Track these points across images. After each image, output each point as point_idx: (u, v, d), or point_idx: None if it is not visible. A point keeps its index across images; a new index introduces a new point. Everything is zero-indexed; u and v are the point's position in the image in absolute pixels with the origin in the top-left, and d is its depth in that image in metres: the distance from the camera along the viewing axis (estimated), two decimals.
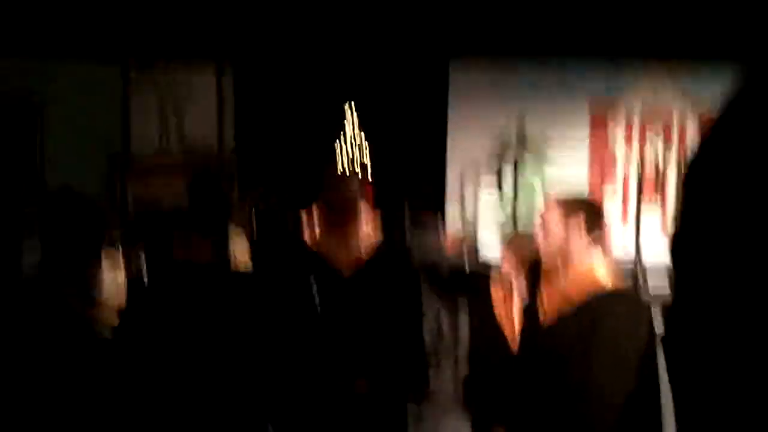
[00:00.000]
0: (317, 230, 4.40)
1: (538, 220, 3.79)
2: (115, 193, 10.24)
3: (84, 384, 3.50)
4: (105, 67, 10.74)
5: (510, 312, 4.44)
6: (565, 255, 3.65)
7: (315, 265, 4.33)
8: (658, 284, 11.38)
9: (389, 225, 4.58)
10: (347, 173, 4.52)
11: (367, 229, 4.43)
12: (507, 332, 4.42)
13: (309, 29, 10.85)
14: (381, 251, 4.41)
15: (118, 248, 3.73)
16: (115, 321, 3.67)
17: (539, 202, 11.57)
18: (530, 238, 4.39)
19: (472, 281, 7.21)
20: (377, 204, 4.40)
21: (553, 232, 3.65)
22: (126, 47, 10.61)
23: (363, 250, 4.38)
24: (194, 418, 4.10)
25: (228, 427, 4.13)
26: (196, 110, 11.38)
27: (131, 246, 6.20)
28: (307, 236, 4.43)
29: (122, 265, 3.81)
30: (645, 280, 10.80)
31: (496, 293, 4.58)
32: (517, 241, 4.49)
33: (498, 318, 4.49)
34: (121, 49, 10.63)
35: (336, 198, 4.30)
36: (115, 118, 10.97)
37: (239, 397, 4.18)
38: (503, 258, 4.45)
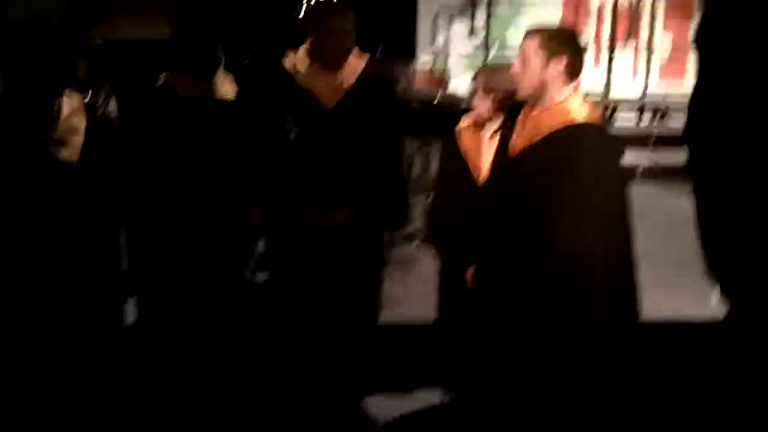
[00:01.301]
0: (303, 64, 4.37)
1: (518, 51, 3.73)
2: (84, 26, 9.99)
3: (46, 211, 3.52)
4: None
5: (479, 143, 4.42)
6: (541, 88, 3.63)
7: (299, 97, 4.33)
8: (627, 120, 11.65)
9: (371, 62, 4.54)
10: (336, 6, 4.38)
11: (353, 63, 4.40)
12: (474, 164, 4.41)
13: None
14: (363, 84, 4.40)
15: (85, 80, 3.73)
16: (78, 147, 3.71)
17: (511, 37, 11.55)
18: (503, 69, 4.37)
19: (442, 114, 7.22)
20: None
21: (532, 66, 3.61)
22: None
23: (346, 84, 4.37)
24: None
25: (209, 246, 4.20)
26: None
27: (102, 79, 6.16)
28: (291, 69, 4.39)
29: (89, 95, 3.81)
30: (613, 115, 10.97)
31: (465, 124, 4.55)
32: (490, 72, 4.43)
33: (466, 149, 4.47)
34: None
35: (325, 31, 4.24)
36: None
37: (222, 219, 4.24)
38: (475, 88, 4.39)
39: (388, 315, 4.85)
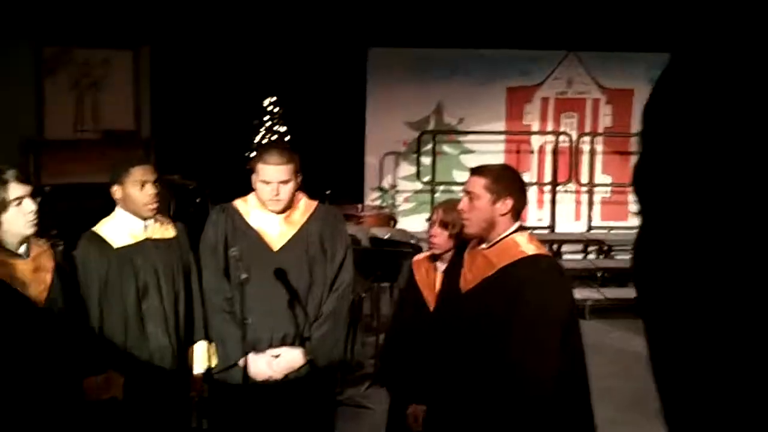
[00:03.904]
0: (252, 207, 4.44)
1: (464, 189, 3.78)
2: (28, 176, 9.98)
3: None
4: (18, 45, 10.49)
5: (434, 276, 4.46)
6: (489, 226, 3.68)
7: (248, 239, 4.38)
8: (572, 254, 11.86)
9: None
10: (280, 154, 4.47)
11: (299, 207, 4.48)
12: (428, 296, 4.44)
13: (230, 14, 10.79)
14: (309, 228, 4.46)
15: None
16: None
17: (456, 177, 11.81)
18: (455, 206, 4.46)
19: (391, 253, 7.26)
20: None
21: (479, 205, 3.66)
22: (41, 24, 10.37)
23: (292, 228, 4.44)
24: None
25: None
26: (112, 91, 11.22)
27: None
28: (241, 212, 4.46)
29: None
30: (560, 250, 11.14)
31: (422, 257, 4.61)
32: (447, 206, 4.49)
33: (420, 282, 4.51)
34: (36, 26, 10.39)
35: (269, 179, 4.31)
36: (29, 99, 10.73)
37: None
38: (432, 221, 4.47)
39: None
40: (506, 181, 3.69)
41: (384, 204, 12.17)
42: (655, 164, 0.81)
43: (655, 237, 0.81)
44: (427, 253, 4.58)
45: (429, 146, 12.10)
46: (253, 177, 4.40)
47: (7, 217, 3.64)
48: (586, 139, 12.30)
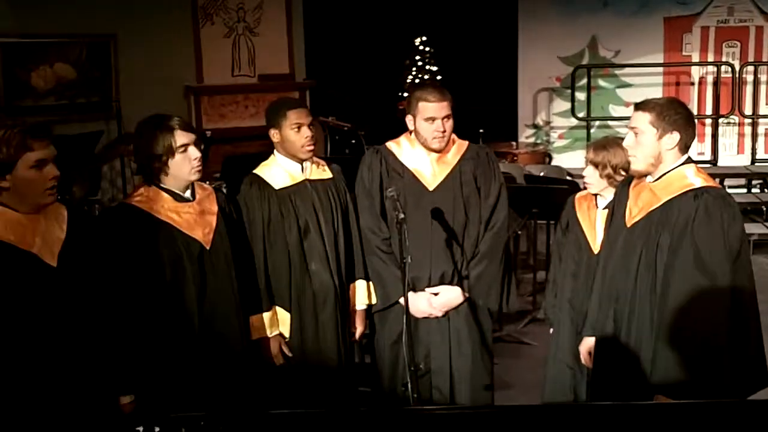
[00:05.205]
0: (406, 147, 4.46)
1: (630, 125, 3.70)
2: (190, 122, 10.35)
3: None
4: None
5: (593, 215, 4.41)
6: (655, 161, 3.59)
7: (403, 179, 4.42)
8: (735, 188, 11.39)
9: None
10: (434, 93, 4.47)
11: (453, 146, 4.47)
12: (590, 234, 4.40)
13: None
14: (464, 165, 4.46)
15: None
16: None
17: (612, 112, 11.56)
18: (611, 142, 4.38)
19: (546, 191, 7.20)
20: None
21: (645, 141, 3.58)
22: None
23: (446, 166, 4.44)
24: None
25: None
26: (266, 36, 11.45)
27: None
28: (395, 153, 4.49)
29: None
30: (722, 185, 10.74)
31: (580, 196, 4.56)
32: (599, 145, 4.42)
33: (581, 221, 4.46)
34: None
35: (425, 118, 4.33)
36: (187, 46, 11.06)
37: None
38: (586, 162, 4.41)
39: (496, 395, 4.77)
40: (672, 115, 3.57)
41: (538, 141, 12.05)
42: None
43: None
44: (585, 194, 4.53)
45: (584, 81, 11.84)
46: (409, 118, 4.41)
47: (174, 164, 3.74)
48: (750, 68, 11.75)
